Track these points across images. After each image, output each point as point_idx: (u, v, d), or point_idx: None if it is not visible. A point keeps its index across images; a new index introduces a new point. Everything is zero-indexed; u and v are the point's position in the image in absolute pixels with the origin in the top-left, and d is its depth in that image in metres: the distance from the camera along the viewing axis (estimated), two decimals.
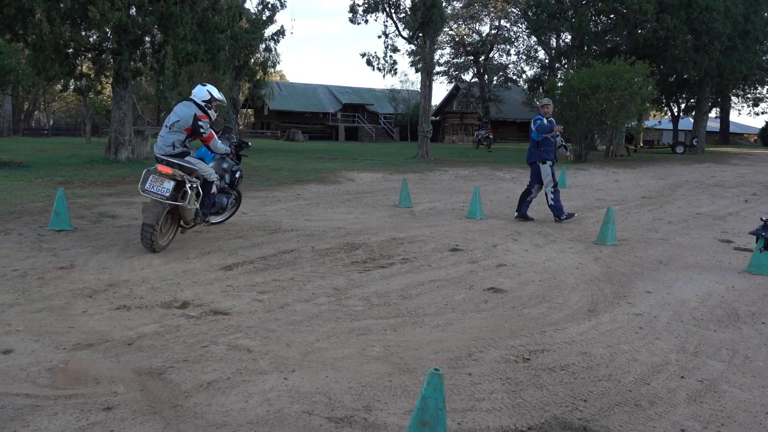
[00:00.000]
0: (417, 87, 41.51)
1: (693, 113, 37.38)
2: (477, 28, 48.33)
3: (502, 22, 46.61)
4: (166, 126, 6.22)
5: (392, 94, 53.55)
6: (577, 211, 10.06)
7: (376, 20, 23.67)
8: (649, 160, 26.95)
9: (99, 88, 17.41)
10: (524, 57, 47.32)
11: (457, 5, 45.57)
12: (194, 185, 6.19)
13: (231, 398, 3.08)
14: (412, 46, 21.42)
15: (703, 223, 9.49)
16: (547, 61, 37.64)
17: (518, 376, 3.44)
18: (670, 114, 43.97)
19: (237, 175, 7.41)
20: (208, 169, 6.51)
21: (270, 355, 3.66)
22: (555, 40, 35.03)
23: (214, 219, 7.32)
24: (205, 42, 15.72)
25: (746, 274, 6.05)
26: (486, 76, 48.55)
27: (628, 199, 12.62)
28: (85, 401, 3.00)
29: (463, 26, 47.54)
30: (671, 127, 45.58)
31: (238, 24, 18.86)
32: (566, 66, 31.22)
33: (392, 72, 21.88)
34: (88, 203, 9.41)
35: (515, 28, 46.23)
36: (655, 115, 52.56)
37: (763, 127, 59.93)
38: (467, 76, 50.50)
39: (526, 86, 39.88)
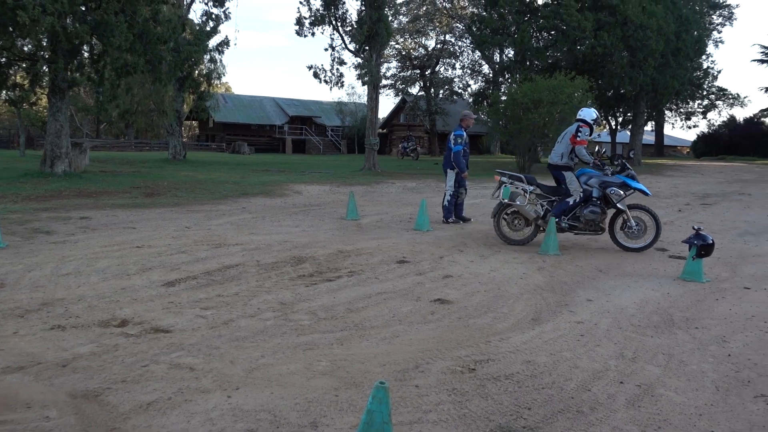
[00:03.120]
0: (364, 99, 41.70)
1: (630, 127, 38.80)
2: (423, 42, 48.98)
3: (448, 36, 47.41)
4: None
5: (339, 107, 53.65)
6: None
7: (322, 33, 23.78)
8: None
9: (33, 99, 16.72)
10: (469, 71, 48.22)
11: (404, 20, 46.11)
12: None
13: (172, 419, 2.99)
14: (359, 59, 21.55)
15: None
16: (491, 75, 38.50)
17: (464, 387, 3.47)
18: (608, 127, 45.53)
19: None
20: None
21: (213, 373, 3.57)
22: (498, 55, 35.88)
23: None
24: (146, 53, 15.37)
25: (680, 281, 6.28)
26: (432, 90, 49.19)
27: None
28: (14, 428, 2.85)
29: (410, 40, 48.09)
30: (609, 140, 47.21)
31: (181, 35, 18.54)
32: (509, 80, 31.98)
33: (339, 85, 21.89)
34: (21, 218, 9.02)
35: (460, 43, 47.06)
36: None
37: (694, 140, 62.70)
38: (414, 90, 51.07)
39: (471, 100, 40.60)
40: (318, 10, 20.91)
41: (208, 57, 26.35)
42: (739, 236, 9.29)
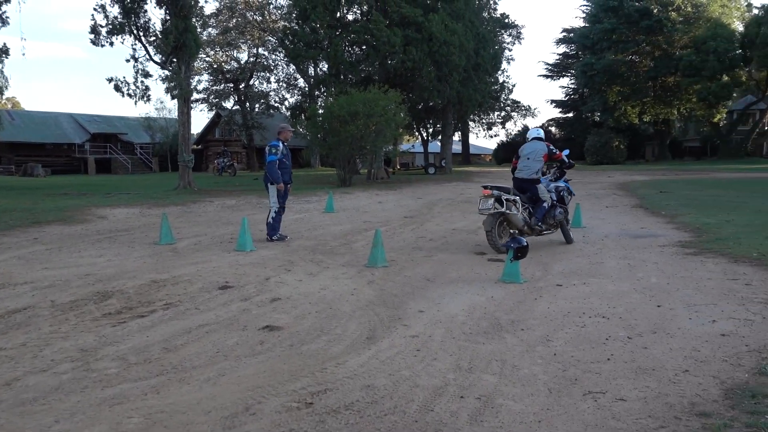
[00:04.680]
0: (174, 114, 39.54)
1: (440, 137, 41.25)
2: (235, 55, 47.82)
3: (261, 50, 46.78)
4: None
5: (148, 123, 50.46)
6: (347, 234, 10.19)
7: (122, 43, 21.92)
8: (406, 181, 28.96)
9: None
10: (285, 84, 48.02)
11: (213, 32, 44.64)
12: None
13: None
14: (166, 72, 20.23)
15: (459, 237, 10.23)
16: (306, 88, 38.60)
17: (302, 426, 3.14)
18: (420, 138, 48.00)
19: None
20: None
21: None
22: (313, 69, 36.09)
23: None
24: None
25: (501, 283, 6.53)
26: (248, 104, 48.18)
27: (392, 220, 13.21)
28: None
29: (221, 53, 46.67)
30: (423, 150, 49.81)
31: None
32: (325, 93, 32.29)
33: (145, 98, 20.33)
34: None
35: (274, 56, 46.70)
36: (408, 140, 57.02)
37: (495, 148, 68.53)
38: (228, 104, 49.64)
39: (288, 113, 40.40)
40: (116, 18, 19.25)
41: None
42: (545, 236, 10.01)
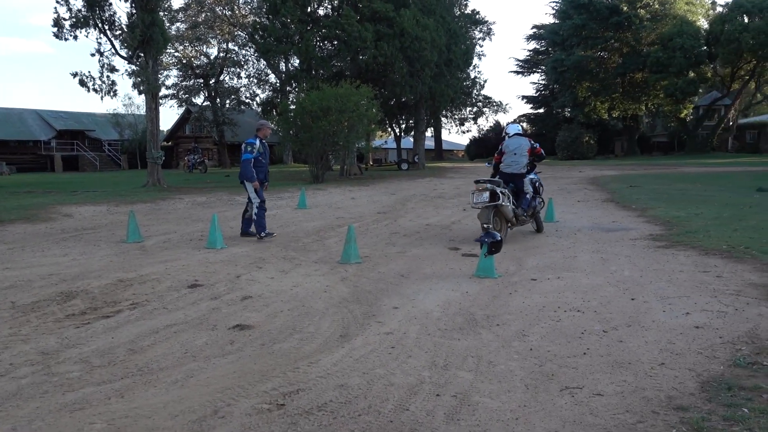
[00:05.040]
0: (143, 110, 38.83)
1: (413, 133, 41.23)
2: (204, 50, 47.11)
3: (231, 45, 46.17)
4: None
5: (116, 119, 49.49)
6: (320, 231, 10.07)
7: (87, 36, 21.40)
8: (379, 177, 28.86)
9: None
10: (255, 80, 47.48)
11: (182, 27, 43.90)
12: None
13: None
14: (133, 66, 19.78)
15: (433, 233, 10.18)
16: (278, 84, 38.23)
17: (273, 429, 3.03)
18: (393, 134, 47.94)
19: None
20: None
21: None
22: (284, 64, 35.72)
23: None
24: None
25: (475, 279, 6.48)
26: (218, 100, 47.53)
27: (365, 216, 13.10)
28: None
29: (190, 48, 45.93)
30: (396, 146, 49.77)
31: None
32: (297, 89, 31.99)
33: (112, 94, 19.83)
34: None
35: (244, 52, 46.12)
36: (381, 135, 56.94)
37: (468, 144, 68.82)
38: (198, 100, 48.91)
39: (260, 109, 39.96)
40: (80, 11, 18.71)
41: None
42: (518, 230, 10.01)
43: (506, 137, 9.49)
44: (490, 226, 8.29)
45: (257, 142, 9.44)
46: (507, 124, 9.96)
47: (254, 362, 4.00)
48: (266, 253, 8.27)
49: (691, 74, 48.25)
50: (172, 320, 4.97)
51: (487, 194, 8.41)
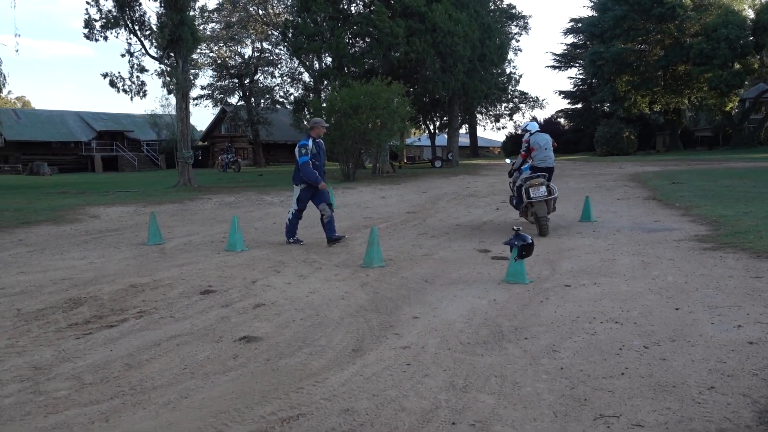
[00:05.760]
0: None
1: (447, 130, 40.66)
2: (239, 50, 47.40)
3: (264, 44, 46.34)
4: None
5: (154, 119, 50.18)
6: (345, 232, 9.72)
7: (116, 37, 21.57)
8: (412, 175, 28.43)
9: None
10: (289, 79, 47.57)
11: (216, 27, 44.25)
12: None
13: None
14: (163, 66, 19.80)
15: (463, 234, 9.75)
16: (310, 82, 38.13)
17: None
18: (427, 131, 47.42)
19: None
20: None
21: None
22: (317, 62, 35.59)
23: None
24: None
25: (505, 284, 6.04)
26: (253, 99, 47.79)
27: (393, 216, 12.73)
28: None
29: (224, 48, 46.26)
30: (430, 143, 49.24)
31: None
32: (328, 87, 31.80)
33: (141, 94, 19.90)
34: None
35: (278, 51, 46.25)
36: (415, 133, 56.46)
37: (504, 140, 67.80)
38: (233, 99, 49.26)
39: (292, 108, 39.98)
40: (110, 11, 18.82)
41: None
42: (553, 230, 9.51)
43: (529, 134, 9.85)
44: (549, 218, 9.20)
45: (310, 142, 8.82)
46: (526, 123, 10.49)
47: (256, 381, 3.67)
48: (286, 256, 7.97)
49: (737, 66, 46.32)
50: (177, 330, 4.69)
51: (544, 188, 9.11)
